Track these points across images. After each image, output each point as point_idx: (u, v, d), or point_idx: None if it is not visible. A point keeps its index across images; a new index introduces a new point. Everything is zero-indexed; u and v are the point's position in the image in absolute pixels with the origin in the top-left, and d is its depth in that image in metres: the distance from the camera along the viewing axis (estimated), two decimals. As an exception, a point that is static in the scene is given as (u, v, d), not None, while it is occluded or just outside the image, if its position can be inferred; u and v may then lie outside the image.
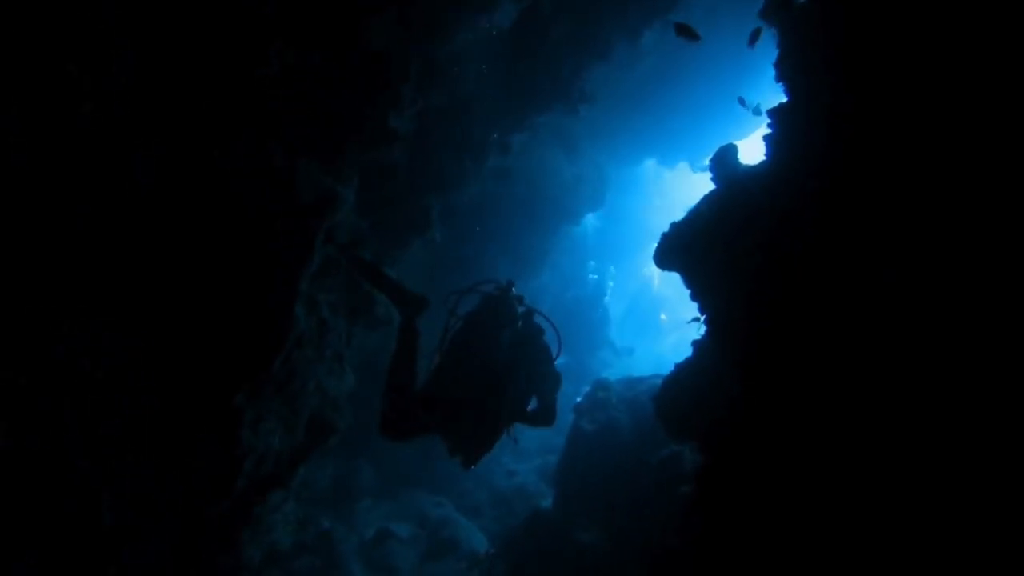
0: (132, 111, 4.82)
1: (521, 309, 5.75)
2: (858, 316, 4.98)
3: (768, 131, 6.37)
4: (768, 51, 8.49)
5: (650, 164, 22.75)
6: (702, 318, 7.03)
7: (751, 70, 15.84)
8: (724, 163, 6.77)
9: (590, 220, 18.95)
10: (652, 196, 26.35)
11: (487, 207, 13.38)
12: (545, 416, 5.59)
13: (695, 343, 6.91)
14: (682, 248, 6.64)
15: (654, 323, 27.44)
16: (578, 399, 12.79)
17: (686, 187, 23.13)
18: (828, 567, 4.88)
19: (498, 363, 5.19)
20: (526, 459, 16.44)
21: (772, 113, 6.21)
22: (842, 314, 5.17)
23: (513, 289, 5.83)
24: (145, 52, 4.85)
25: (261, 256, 5.51)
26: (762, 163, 6.56)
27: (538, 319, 5.78)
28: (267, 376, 5.81)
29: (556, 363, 5.69)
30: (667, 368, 11.92)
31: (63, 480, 4.78)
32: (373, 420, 13.54)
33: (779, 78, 6.55)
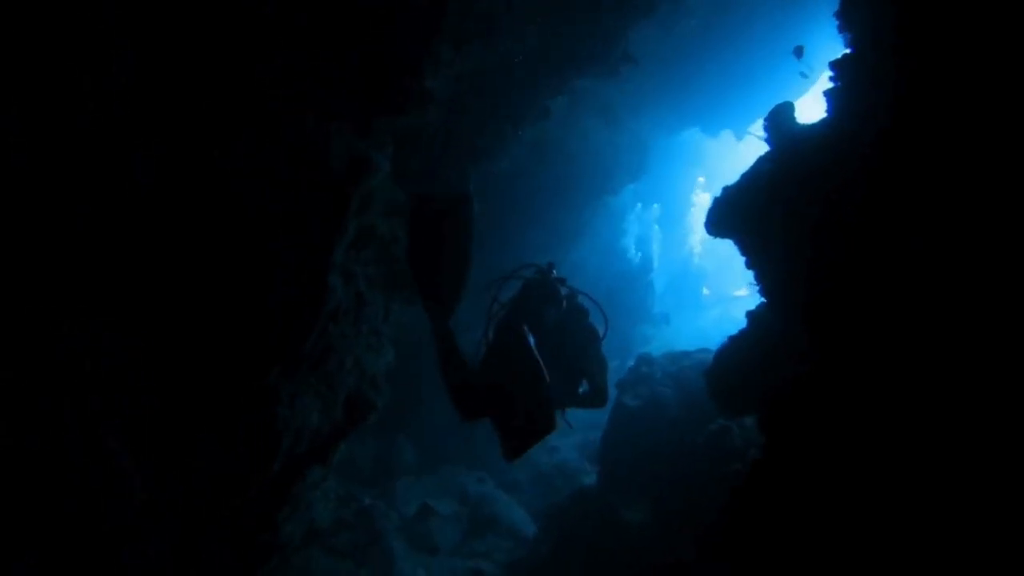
0: (132, 111, 4.70)
1: (564, 291, 5.68)
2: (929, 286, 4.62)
3: (830, 86, 5.94)
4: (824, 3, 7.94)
5: (691, 134, 22.10)
6: (755, 287, 6.65)
7: (801, 26, 15.21)
8: (779, 122, 6.34)
9: (630, 192, 18.41)
10: (694, 167, 25.68)
11: (523, 178, 13.02)
12: (596, 397, 5.63)
13: (750, 314, 6.53)
14: (736, 213, 6.24)
15: (696, 297, 26.81)
16: (621, 374, 12.46)
17: (729, 157, 22.39)
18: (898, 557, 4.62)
19: (545, 347, 5.05)
20: (567, 435, 16.17)
21: (835, 65, 5.76)
22: (914, 283, 4.80)
23: (554, 271, 5.78)
24: (145, 52, 4.72)
25: (291, 228, 5.27)
26: (821, 121, 6.12)
27: (582, 299, 5.74)
28: (302, 352, 5.59)
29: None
30: (710, 342, 11.60)
31: (63, 480, 4.67)
32: (413, 397, 13.40)
33: (842, 28, 6.09)
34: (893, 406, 4.64)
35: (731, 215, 6.23)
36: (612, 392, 12.42)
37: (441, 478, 13.57)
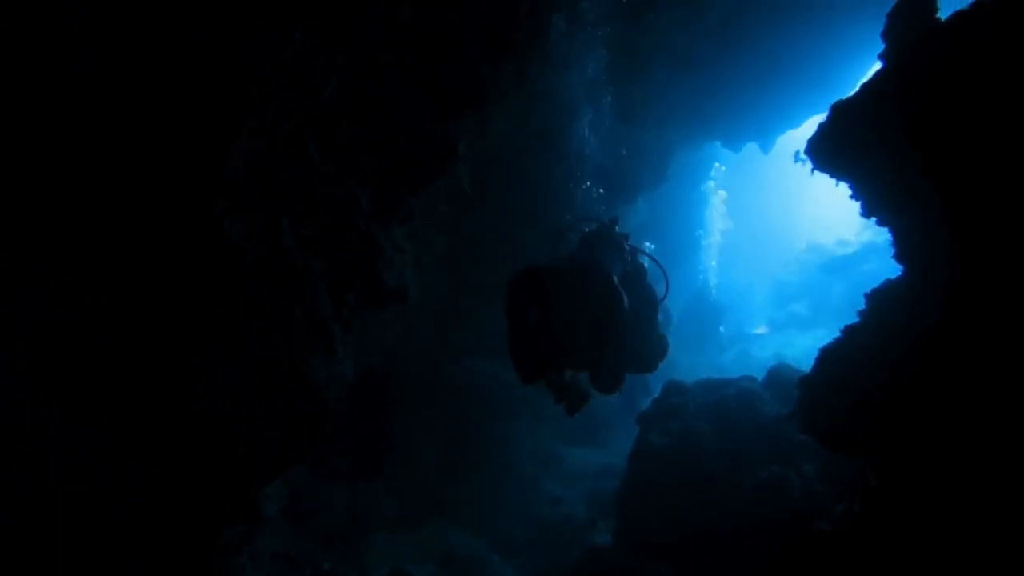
0: None
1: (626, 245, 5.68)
2: None
3: None
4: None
5: (712, 150, 20.14)
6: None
7: (831, 23, 13.41)
8: (916, 11, 4.27)
9: (643, 204, 16.28)
10: (713, 189, 23.78)
11: (527, 175, 11.05)
12: (646, 363, 5.46)
13: (873, 294, 4.36)
14: (852, 135, 4.13)
15: (712, 334, 24.53)
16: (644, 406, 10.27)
17: (753, 178, 20.36)
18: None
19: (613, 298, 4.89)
20: (574, 483, 13.87)
21: None
22: None
23: (617, 226, 5.80)
24: None
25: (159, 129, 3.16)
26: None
27: (642, 259, 5.71)
28: (184, 319, 3.43)
29: None
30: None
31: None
32: (392, 434, 11.14)
33: None
34: None
35: (844, 137, 4.11)
36: (633, 428, 10.31)
37: (424, 535, 11.21)
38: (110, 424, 4.07)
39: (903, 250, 3.99)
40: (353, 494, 11.62)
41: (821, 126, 4.27)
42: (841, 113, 4.12)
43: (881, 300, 4.22)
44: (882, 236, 24.24)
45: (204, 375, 4.30)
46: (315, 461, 10.87)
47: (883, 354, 4.12)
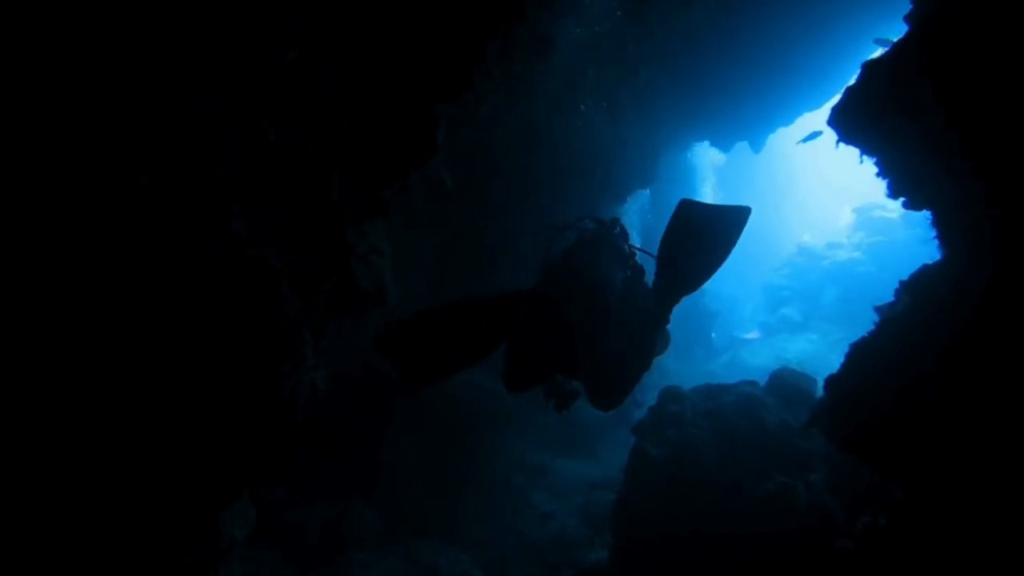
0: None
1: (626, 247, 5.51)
2: None
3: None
4: None
5: (700, 150, 19.73)
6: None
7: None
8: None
9: (635, 211, 15.86)
10: (701, 192, 23.39)
11: (516, 175, 10.56)
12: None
13: (907, 283, 3.89)
14: (885, 101, 3.65)
15: (704, 340, 24.09)
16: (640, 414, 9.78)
17: (741, 182, 19.97)
18: None
19: (611, 303, 4.77)
20: (564, 496, 13.33)
21: None
22: None
23: (618, 227, 5.62)
24: None
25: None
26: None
27: (642, 258, 5.48)
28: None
29: None
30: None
31: None
32: (376, 446, 10.58)
33: None
34: None
35: (883, 104, 3.62)
36: (624, 438, 9.82)
37: (407, 553, 10.65)
38: (38, 446, 3.54)
39: (946, 233, 3.52)
40: (332, 510, 11.07)
41: (848, 90, 3.80)
42: (873, 74, 3.63)
43: (918, 289, 3.74)
44: (875, 237, 23.67)
45: (154, 381, 3.77)
46: (291, 475, 10.33)
47: (921, 349, 3.64)
